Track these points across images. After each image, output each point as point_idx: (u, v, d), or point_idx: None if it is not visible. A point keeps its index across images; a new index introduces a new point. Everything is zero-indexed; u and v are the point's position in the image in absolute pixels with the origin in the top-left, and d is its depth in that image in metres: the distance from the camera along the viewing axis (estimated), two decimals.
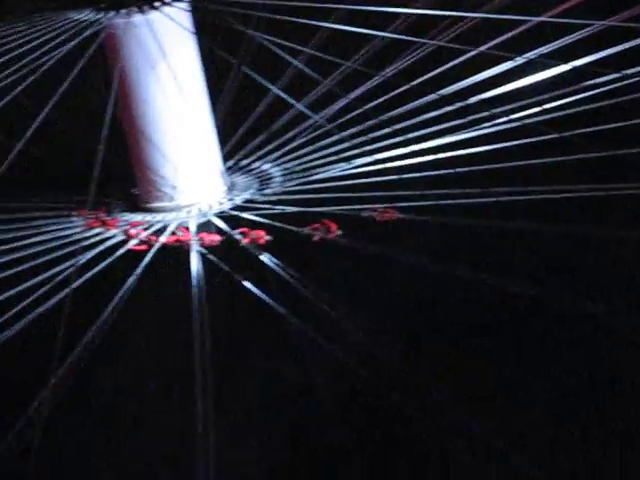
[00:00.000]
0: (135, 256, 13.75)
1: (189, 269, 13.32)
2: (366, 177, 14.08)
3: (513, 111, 13.23)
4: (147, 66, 13.67)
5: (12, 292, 12.85)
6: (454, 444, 10.89)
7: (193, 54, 14.10)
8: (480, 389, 11.86)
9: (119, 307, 12.60)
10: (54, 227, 14.45)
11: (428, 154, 13.64)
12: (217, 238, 13.90)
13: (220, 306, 12.55)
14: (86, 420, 12.78)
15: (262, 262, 13.06)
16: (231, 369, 12.78)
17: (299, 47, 14.21)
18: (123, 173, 15.09)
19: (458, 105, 13.63)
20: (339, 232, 13.27)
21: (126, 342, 14.40)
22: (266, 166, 15.33)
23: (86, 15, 13.80)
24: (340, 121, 14.76)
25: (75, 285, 12.96)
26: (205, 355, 11.51)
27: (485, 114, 13.21)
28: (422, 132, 14.26)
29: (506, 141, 13.05)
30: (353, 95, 14.74)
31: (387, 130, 14.18)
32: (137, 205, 14.88)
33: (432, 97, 13.90)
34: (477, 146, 13.28)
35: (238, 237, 13.80)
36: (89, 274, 13.04)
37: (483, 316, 12.67)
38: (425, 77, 14.25)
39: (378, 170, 13.93)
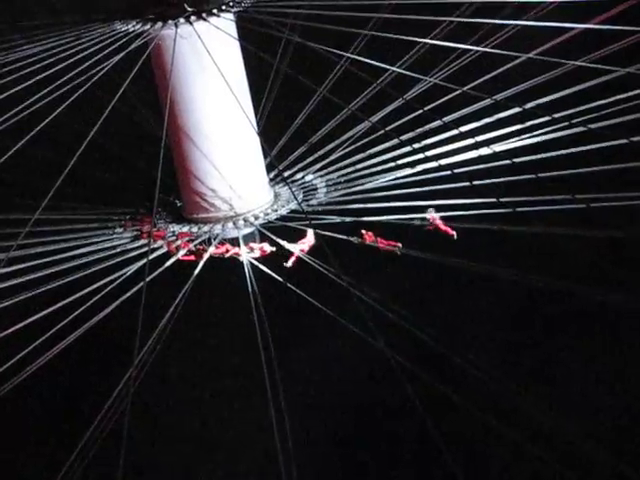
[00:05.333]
0: (184, 267, 13.84)
1: (240, 279, 13.41)
2: (420, 185, 14.06)
3: (572, 117, 13.12)
4: (195, 77, 13.60)
5: (65, 302, 12.93)
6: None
7: (240, 64, 14.09)
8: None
9: (176, 315, 12.74)
10: (100, 239, 14.46)
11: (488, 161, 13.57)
12: (265, 248, 13.92)
13: (274, 311, 12.66)
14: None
15: (315, 269, 13.24)
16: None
17: (341, 52, 13.99)
18: (167, 185, 15.03)
19: (515, 110, 13.44)
20: (398, 244, 13.33)
21: (189, 344, 14.75)
22: (309, 177, 15.31)
23: (134, 27, 13.72)
24: (393, 126, 14.67)
25: (126, 296, 13.11)
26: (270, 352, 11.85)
27: (546, 119, 13.05)
28: (479, 138, 14.12)
29: (569, 147, 13.04)
30: (397, 103, 14.65)
31: (443, 136, 14.16)
32: (182, 216, 14.83)
33: (487, 102, 13.75)
34: (540, 152, 13.21)
35: (287, 246, 13.82)
36: (138, 285, 12.81)
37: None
38: (477, 81, 14.16)
39: (431, 179, 13.92)
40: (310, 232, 13.67)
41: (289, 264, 13.59)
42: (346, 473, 14.58)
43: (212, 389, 15.38)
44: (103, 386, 12.58)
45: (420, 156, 14.04)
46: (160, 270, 13.50)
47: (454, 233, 13.39)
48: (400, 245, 13.47)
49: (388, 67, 13.99)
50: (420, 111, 13.69)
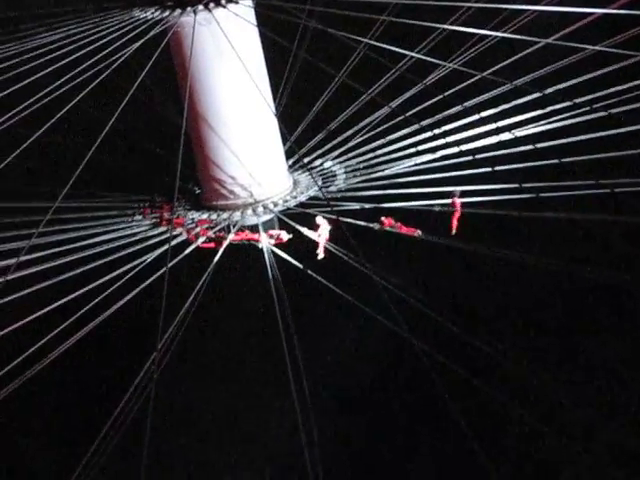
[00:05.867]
0: (205, 254, 13.83)
1: (261, 265, 13.41)
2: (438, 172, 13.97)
3: (594, 101, 13.03)
4: (214, 64, 13.53)
5: (87, 289, 12.97)
6: None
7: (259, 50, 14.01)
8: None
9: (197, 302, 12.77)
10: (119, 226, 14.46)
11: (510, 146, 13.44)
12: (283, 237, 13.92)
13: (296, 297, 12.74)
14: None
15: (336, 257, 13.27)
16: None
17: (360, 38, 13.88)
18: (185, 173, 14.99)
19: (535, 95, 13.35)
20: (417, 230, 13.30)
21: (210, 332, 14.74)
22: (328, 163, 15.26)
23: (152, 14, 13.68)
24: (412, 112, 14.51)
25: (148, 282, 13.13)
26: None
27: (567, 104, 12.95)
28: (500, 123, 13.99)
29: (588, 132, 12.87)
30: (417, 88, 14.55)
31: (463, 122, 14.08)
32: (201, 203, 14.81)
33: (507, 87, 13.64)
34: (560, 137, 13.06)
35: (307, 233, 13.80)
36: (159, 272, 12.95)
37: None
38: (496, 67, 14.02)
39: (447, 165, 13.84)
40: (321, 219, 13.66)
41: (320, 255, 13.62)
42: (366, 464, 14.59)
43: (232, 377, 15.35)
44: (123, 374, 12.58)
45: (441, 142, 13.91)
46: (180, 257, 13.46)
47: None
48: (420, 232, 13.43)
49: (407, 52, 13.85)
50: (440, 96, 13.50)
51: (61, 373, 13.76)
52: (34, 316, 12.47)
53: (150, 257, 13.66)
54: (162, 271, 12.51)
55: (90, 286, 13.07)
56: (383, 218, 13.66)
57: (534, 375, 12.17)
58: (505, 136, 13.66)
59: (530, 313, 14.62)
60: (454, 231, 13.32)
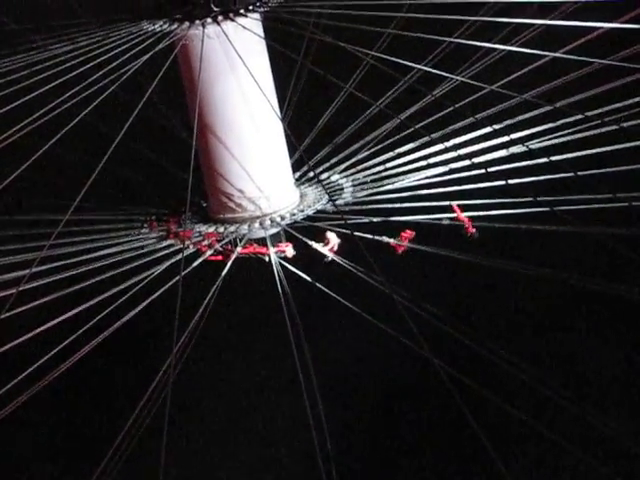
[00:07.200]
0: (212, 267, 13.77)
1: (268, 278, 13.34)
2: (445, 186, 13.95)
3: (608, 114, 12.99)
4: (222, 77, 13.48)
5: (92, 302, 12.90)
6: None
7: (266, 63, 13.99)
8: None
9: (205, 316, 12.76)
10: (126, 239, 14.39)
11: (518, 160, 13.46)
12: (288, 253, 13.83)
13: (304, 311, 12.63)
14: None
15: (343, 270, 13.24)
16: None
17: (366, 51, 13.73)
18: (192, 186, 14.94)
19: (546, 108, 13.30)
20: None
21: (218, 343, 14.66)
22: (335, 177, 15.21)
23: (160, 27, 13.65)
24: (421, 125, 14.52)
25: (155, 295, 13.06)
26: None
27: (578, 117, 12.93)
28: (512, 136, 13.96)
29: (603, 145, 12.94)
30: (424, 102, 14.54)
31: (473, 135, 14.06)
32: (208, 216, 14.72)
33: (517, 100, 13.59)
34: (571, 151, 13.08)
35: (315, 247, 13.75)
36: (171, 281, 12.88)
37: None
38: (505, 80, 14.02)
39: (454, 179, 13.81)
40: (331, 234, 13.65)
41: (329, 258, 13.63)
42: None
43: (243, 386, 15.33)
44: (131, 387, 12.52)
45: (451, 155, 13.86)
46: (188, 270, 13.37)
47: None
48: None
49: (415, 65, 13.81)
50: (450, 108, 13.43)
51: (65, 389, 13.88)
52: (42, 329, 12.34)
53: (158, 270, 13.58)
54: (175, 280, 12.48)
55: (97, 299, 12.97)
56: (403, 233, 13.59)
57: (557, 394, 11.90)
58: (517, 149, 13.60)
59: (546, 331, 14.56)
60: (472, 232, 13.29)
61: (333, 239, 13.72)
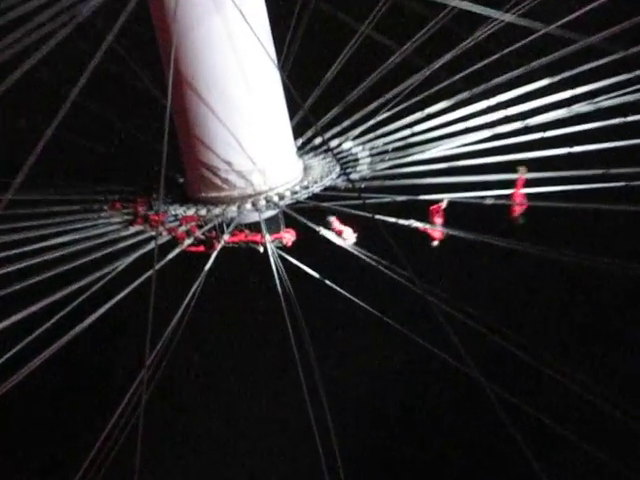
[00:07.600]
0: (193, 260, 11.43)
1: (266, 274, 11.18)
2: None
3: None
4: (205, 18, 10.82)
5: (46, 302, 10.62)
6: None
7: (261, 1, 11.31)
8: None
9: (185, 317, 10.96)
10: (83, 225, 11.91)
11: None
12: (292, 236, 11.75)
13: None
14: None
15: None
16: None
17: None
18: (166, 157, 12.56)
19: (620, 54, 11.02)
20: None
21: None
22: (348, 144, 12.72)
23: None
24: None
25: (124, 294, 10.96)
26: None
27: None
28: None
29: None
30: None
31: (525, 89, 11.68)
32: (187, 196, 12.24)
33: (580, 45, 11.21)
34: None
35: (324, 233, 11.46)
36: (136, 282, 10.87)
37: None
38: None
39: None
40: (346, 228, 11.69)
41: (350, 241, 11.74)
42: None
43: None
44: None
45: (497, 115, 11.47)
46: (161, 264, 11.00)
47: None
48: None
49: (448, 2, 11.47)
50: (495, 56, 11.56)
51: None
52: None
53: (122, 264, 11.31)
54: (146, 276, 10.41)
55: (45, 301, 10.62)
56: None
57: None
58: (581, 107, 11.21)
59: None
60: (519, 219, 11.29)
61: (348, 234, 11.65)
